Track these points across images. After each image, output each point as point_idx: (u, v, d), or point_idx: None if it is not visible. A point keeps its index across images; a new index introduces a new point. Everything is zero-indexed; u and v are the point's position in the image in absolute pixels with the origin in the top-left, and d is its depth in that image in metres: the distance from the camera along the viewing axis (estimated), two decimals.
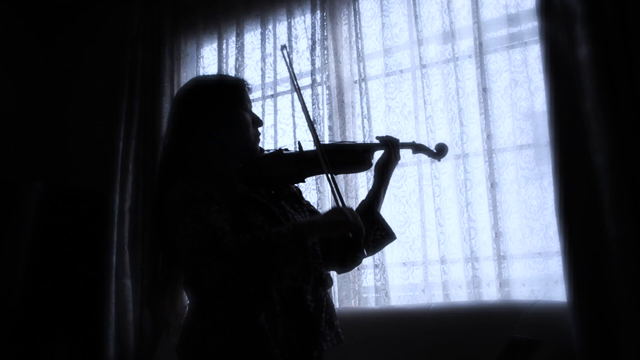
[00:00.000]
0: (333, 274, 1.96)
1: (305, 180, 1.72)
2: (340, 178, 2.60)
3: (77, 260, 3.17)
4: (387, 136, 1.80)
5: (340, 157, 1.68)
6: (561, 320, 1.99)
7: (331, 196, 2.70)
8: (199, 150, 1.57)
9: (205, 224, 1.38)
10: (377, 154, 1.81)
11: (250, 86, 1.69)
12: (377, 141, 1.80)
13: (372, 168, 1.81)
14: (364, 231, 1.49)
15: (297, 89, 1.70)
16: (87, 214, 3.29)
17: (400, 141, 1.82)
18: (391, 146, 1.77)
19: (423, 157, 2.46)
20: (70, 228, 3.21)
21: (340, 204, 1.52)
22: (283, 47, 1.76)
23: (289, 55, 1.73)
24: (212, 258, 1.34)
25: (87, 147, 3.62)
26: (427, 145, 1.92)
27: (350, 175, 2.69)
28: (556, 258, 2.18)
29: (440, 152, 1.86)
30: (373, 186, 1.78)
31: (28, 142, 3.71)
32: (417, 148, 1.88)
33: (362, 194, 2.67)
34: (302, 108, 1.70)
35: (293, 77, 1.71)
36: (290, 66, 1.73)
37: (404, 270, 2.55)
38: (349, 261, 1.70)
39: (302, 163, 1.64)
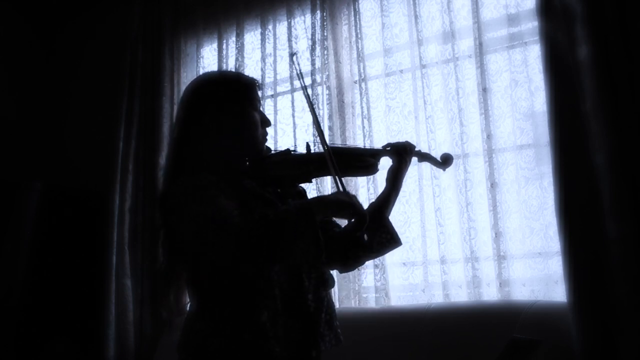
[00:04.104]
0: (333, 273, 1.96)
1: (312, 180, 1.72)
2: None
3: (77, 260, 3.17)
4: (402, 143, 1.78)
5: (346, 161, 1.68)
6: (561, 320, 1.99)
7: None
8: (205, 147, 1.57)
9: (214, 207, 1.38)
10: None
11: (260, 84, 1.68)
12: (388, 146, 1.78)
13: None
14: (367, 219, 1.46)
15: (307, 96, 1.67)
16: (87, 214, 3.29)
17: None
18: (403, 153, 1.76)
19: None
20: (70, 228, 3.21)
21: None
22: (294, 54, 1.74)
23: (299, 63, 1.71)
24: (222, 238, 1.33)
25: (87, 147, 3.62)
26: (432, 155, 1.90)
27: None
28: (556, 258, 2.18)
29: (445, 161, 1.82)
30: (384, 191, 1.76)
31: (28, 142, 3.71)
32: (422, 157, 1.85)
33: (362, 193, 2.67)
34: (311, 110, 1.68)
35: (303, 84, 1.68)
36: (301, 75, 1.70)
37: (404, 270, 2.55)
38: (350, 259, 1.70)
39: (309, 164, 1.64)
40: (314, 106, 2.80)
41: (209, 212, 1.37)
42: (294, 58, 1.72)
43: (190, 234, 1.40)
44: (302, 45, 2.96)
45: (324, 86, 2.82)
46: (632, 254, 1.88)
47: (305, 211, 1.37)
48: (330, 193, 1.57)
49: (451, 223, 2.45)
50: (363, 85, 2.71)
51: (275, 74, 3.02)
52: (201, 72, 3.32)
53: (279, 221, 1.35)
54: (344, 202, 1.43)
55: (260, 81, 2.99)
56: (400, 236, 1.76)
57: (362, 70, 2.73)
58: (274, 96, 3.01)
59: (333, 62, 2.82)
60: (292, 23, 3.00)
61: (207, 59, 3.35)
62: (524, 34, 2.42)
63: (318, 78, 2.83)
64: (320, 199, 1.51)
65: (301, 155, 1.67)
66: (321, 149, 1.61)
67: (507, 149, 2.42)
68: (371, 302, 2.61)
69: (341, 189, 1.51)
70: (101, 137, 3.42)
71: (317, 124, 1.74)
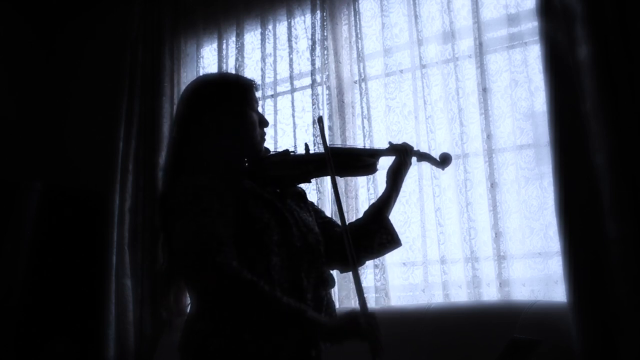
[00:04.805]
0: (334, 273, 1.96)
1: (311, 181, 1.73)
2: (340, 178, 2.60)
3: (77, 260, 3.17)
4: (400, 144, 1.80)
5: (345, 161, 1.68)
6: (561, 320, 1.99)
7: (331, 197, 2.70)
8: (205, 147, 1.58)
9: (204, 230, 1.38)
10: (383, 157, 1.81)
11: (257, 85, 1.70)
12: (387, 146, 1.79)
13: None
14: (381, 342, 1.38)
15: (329, 160, 1.61)
16: (87, 214, 3.29)
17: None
18: (404, 154, 1.77)
19: None
20: (70, 228, 3.21)
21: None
22: (320, 118, 1.71)
23: (322, 128, 1.67)
24: (201, 270, 1.35)
25: (87, 147, 3.62)
26: (431, 154, 1.91)
27: None
28: (556, 258, 2.18)
29: (444, 161, 1.84)
30: (384, 191, 1.78)
31: (28, 142, 3.71)
32: (421, 156, 1.86)
33: (362, 193, 2.67)
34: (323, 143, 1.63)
35: (327, 152, 1.62)
36: (325, 140, 1.64)
37: (404, 270, 2.55)
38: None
39: (308, 164, 1.65)
40: (314, 106, 2.81)
41: (199, 235, 1.37)
42: (320, 121, 1.70)
43: (190, 234, 1.40)
44: (302, 45, 2.96)
45: (324, 86, 2.82)
46: (632, 254, 1.88)
47: (293, 316, 1.37)
48: (342, 321, 1.45)
49: (451, 223, 2.45)
50: (363, 85, 2.71)
51: (275, 74, 3.02)
52: (201, 72, 3.32)
53: (262, 301, 1.36)
54: (345, 331, 1.40)
55: (259, 82, 3.01)
56: (400, 236, 1.78)
57: (362, 70, 2.73)
58: (274, 96, 3.01)
59: (333, 62, 2.82)
60: (292, 23, 3.00)
61: (207, 59, 3.35)
62: (524, 34, 2.42)
63: (318, 78, 2.83)
64: (320, 320, 1.44)
65: (300, 155, 1.68)
66: (320, 150, 1.61)
67: (507, 149, 2.42)
68: (371, 302, 2.60)
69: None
70: (101, 137, 3.42)
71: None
